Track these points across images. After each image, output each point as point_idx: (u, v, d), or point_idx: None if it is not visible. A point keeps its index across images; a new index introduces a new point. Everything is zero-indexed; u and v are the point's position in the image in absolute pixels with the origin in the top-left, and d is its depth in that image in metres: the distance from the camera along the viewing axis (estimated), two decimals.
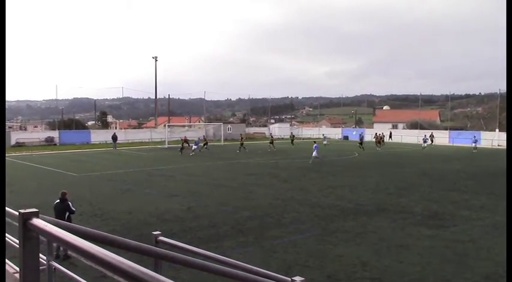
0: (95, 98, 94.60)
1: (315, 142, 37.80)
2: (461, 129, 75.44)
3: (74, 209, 11.74)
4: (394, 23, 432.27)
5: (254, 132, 75.73)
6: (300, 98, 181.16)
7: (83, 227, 2.51)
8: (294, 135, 56.46)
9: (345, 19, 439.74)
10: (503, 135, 58.03)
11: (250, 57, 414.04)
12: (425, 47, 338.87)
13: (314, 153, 34.72)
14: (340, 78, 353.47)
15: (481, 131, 64.97)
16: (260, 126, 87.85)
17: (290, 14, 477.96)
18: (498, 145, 56.03)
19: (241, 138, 47.26)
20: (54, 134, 56.05)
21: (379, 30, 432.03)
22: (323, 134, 62.80)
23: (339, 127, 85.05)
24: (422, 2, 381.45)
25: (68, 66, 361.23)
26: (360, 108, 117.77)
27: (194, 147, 41.88)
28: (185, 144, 43.69)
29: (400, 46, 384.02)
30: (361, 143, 47.32)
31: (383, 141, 53.33)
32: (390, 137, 63.26)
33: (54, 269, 3.74)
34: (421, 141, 52.26)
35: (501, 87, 67.32)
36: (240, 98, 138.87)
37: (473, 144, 47.61)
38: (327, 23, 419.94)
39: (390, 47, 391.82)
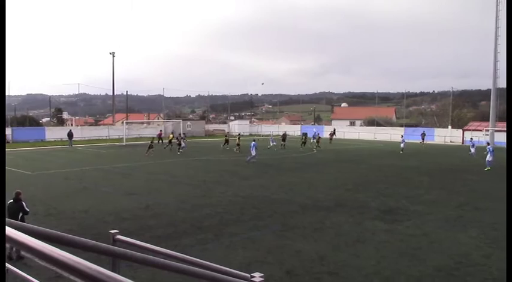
0: (50, 95, 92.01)
1: (254, 140, 35.25)
2: (416, 126, 77.77)
3: (28, 210, 11.40)
4: (355, 23, 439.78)
5: (214, 129, 75.52)
6: (259, 95, 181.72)
7: (37, 227, 2.46)
8: (227, 134, 55.52)
9: (308, 18, 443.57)
10: (456, 132, 60.23)
11: (211, 54, 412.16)
12: (384, 46, 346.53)
13: (253, 152, 32.79)
14: (301, 76, 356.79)
15: (435, 128, 67.21)
16: (220, 123, 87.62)
17: (253, 12, 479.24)
18: (451, 141, 57.95)
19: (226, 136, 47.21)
20: (7, 131, 54.10)
21: (342, 29, 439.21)
22: (238, 133, 60.94)
23: (298, 124, 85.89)
24: (383, 3, 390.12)
25: (21, 61, 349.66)
26: (318, 106, 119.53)
27: (183, 145, 41.84)
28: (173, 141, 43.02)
29: (360, 45, 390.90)
30: (283, 140, 45.67)
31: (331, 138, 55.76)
32: (334, 133, 62.65)
33: (7, 270, 3.64)
34: (469, 146, 39.92)
35: (453, 85, 69.99)
36: (199, 95, 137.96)
37: (401, 145, 43.68)
38: (290, 22, 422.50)
39: (351, 46, 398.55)
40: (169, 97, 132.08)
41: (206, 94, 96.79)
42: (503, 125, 57.98)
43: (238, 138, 42.78)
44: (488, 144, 34.25)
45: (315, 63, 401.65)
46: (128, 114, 78.02)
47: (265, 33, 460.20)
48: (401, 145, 43.75)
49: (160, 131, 56.03)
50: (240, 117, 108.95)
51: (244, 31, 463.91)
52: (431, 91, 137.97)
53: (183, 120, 66.42)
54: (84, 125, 79.05)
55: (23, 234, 2.14)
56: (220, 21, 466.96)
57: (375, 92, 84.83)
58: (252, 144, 33.53)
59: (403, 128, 67.57)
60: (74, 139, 49.71)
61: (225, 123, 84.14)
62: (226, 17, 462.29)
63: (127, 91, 79.49)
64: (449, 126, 63.48)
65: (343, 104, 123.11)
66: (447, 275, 10.03)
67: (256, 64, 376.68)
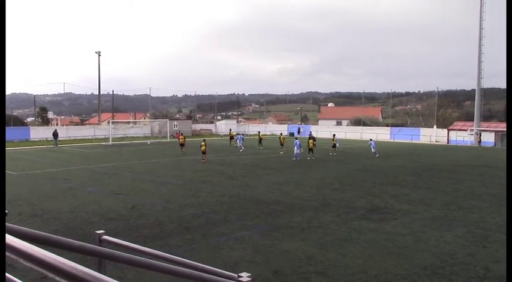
0: (35, 94, 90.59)
1: (296, 138, 38.04)
2: (402, 125, 78.51)
3: (6, 211, 11.23)
4: (347, 22, 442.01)
5: (201, 129, 75.31)
6: (246, 94, 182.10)
7: (22, 228, 2.43)
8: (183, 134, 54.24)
9: (299, 17, 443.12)
10: (441, 132, 60.87)
11: (200, 54, 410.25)
12: (371, 47, 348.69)
13: (297, 150, 35.05)
14: (288, 76, 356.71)
15: (420, 128, 67.83)
16: (207, 122, 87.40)
17: (243, 11, 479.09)
18: (436, 141, 58.47)
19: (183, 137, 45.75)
20: None
21: (328, 30, 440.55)
22: (281, 133, 60.81)
23: (285, 124, 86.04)
24: (372, 5, 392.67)
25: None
26: (305, 105, 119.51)
27: (239, 144, 41.95)
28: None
29: (347, 46, 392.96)
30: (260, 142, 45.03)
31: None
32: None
33: None
34: None
35: (438, 85, 71.07)
36: (186, 95, 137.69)
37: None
38: (278, 22, 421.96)
39: (337, 47, 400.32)
40: (156, 97, 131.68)
41: (193, 94, 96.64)
42: (487, 125, 58.74)
43: (283, 138, 42.71)
44: None
45: (302, 63, 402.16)
46: (114, 114, 77.44)
47: (252, 33, 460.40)
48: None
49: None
50: (227, 117, 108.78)
51: (231, 31, 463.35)
52: (417, 91, 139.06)
53: (169, 119, 66.10)
54: (69, 125, 78.32)
55: (8, 235, 2.11)
56: (207, 21, 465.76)
57: (361, 92, 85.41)
58: (297, 143, 35.35)
59: (389, 128, 68.11)
60: (59, 139, 49.31)
61: (211, 122, 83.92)
62: (213, 17, 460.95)
63: (113, 90, 78.75)
64: (435, 126, 64.06)
65: (329, 104, 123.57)
66: (433, 273, 10.12)
67: (243, 64, 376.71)
